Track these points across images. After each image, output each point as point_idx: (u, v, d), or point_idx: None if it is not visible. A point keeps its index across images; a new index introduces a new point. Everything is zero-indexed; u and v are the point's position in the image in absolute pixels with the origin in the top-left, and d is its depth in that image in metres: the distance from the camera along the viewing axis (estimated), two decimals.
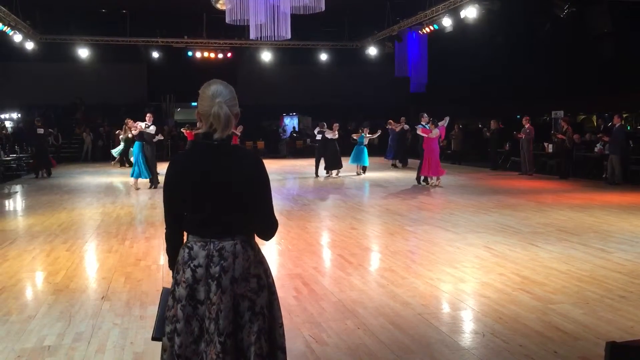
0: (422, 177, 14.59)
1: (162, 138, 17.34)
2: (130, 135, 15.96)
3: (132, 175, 13.94)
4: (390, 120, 20.12)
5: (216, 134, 2.40)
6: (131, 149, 15.73)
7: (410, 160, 20.36)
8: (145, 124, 13.84)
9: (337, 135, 17.00)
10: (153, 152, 14.13)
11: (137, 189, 13.83)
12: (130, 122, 14.91)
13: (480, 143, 21.74)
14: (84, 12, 23.89)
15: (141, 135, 13.77)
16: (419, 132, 14.50)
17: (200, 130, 2.49)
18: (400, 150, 20.28)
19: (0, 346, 4.11)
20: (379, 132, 19.29)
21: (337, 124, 17.42)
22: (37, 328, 4.48)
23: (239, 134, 16.05)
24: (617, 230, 8.24)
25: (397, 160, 20.38)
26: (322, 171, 17.14)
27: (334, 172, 17.13)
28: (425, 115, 14.59)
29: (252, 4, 12.14)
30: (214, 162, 2.41)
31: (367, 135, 17.79)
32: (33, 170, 17.98)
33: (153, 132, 13.83)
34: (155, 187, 13.85)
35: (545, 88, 21.08)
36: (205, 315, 2.36)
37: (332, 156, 16.98)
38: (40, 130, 17.51)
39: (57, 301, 5.18)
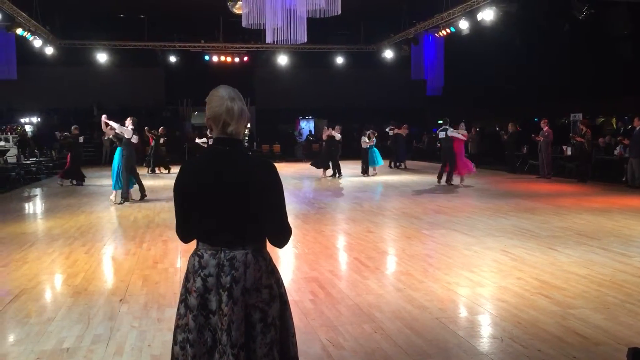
0: (449, 177, 15.29)
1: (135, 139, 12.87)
2: (108, 137, 13.25)
3: (129, 188, 12.27)
4: (396, 129, 20.97)
5: (230, 127, 2.37)
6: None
7: (411, 162, 21.53)
8: (130, 127, 11.92)
9: (325, 137, 17.89)
10: (133, 159, 12.19)
11: (132, 199, 12.41)
12: (104, 120, 12.11)
13: (498, 146, 21.60)
14: (102, 17, 24.18)
15: (119, 139, 11.91)
16: (455, 134, 15.08)
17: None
18: (403, 153, 21.36)
19: (20, 348, 4.16)
20: (376, 133, 20.16)
21: (326, 127, 18.30)
22: (56, 330, 4.53)
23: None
24: (638, 235, 8.12)
25: (399, 163, 21.21)
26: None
27: (322, 171, 17.94)
28: (463, 123, 15.64)
29: (269, 8, 12.17)
30: (225, 168, 2.36)
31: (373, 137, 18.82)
32: (66, 176, 16.31)
33: (129, 134, 11.84)
34: (138, 200, 12.42)
35: (564, 90, 20.91)
36: (218, 326, 2.32)
37: (321, 156, 18.34)
38: (81, 139, 16.64)
39: (76, 303, 5.22)
